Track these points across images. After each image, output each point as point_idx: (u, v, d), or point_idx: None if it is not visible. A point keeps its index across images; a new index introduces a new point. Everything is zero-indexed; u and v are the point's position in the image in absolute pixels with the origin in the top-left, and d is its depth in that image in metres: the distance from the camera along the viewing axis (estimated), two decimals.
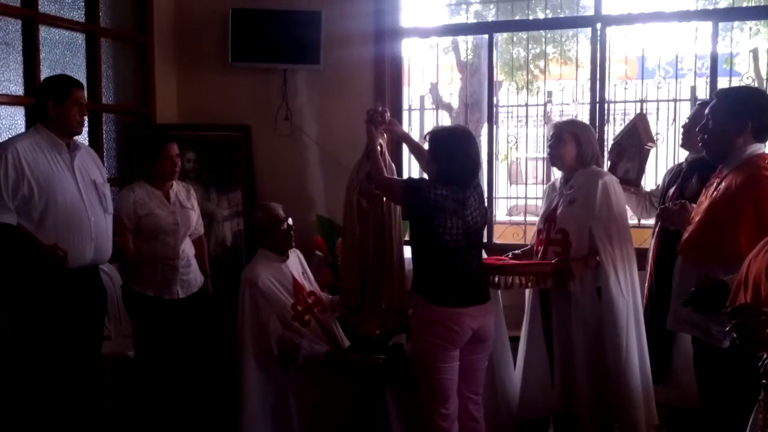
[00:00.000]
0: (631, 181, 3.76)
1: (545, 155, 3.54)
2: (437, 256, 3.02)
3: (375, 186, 3.27)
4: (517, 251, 3.58)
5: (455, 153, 3.05)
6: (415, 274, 3.14)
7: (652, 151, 4.94)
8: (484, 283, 3.14)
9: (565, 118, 3.63)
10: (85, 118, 3.40)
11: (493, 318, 3.19)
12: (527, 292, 3.47)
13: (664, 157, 4.89)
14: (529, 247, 3.59)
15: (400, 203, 3.20)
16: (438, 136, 3.15)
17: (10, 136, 3.76)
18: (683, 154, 3.65)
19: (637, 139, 3.79)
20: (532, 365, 3.43)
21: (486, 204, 3.23)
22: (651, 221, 3.77)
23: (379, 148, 3.34)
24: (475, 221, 3.08)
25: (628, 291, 3.22)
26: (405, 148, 5.15)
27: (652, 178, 4.68)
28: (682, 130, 3.60)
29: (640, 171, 3.81)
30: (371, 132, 3.30)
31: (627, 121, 4.08)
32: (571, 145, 3.34)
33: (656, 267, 3.41)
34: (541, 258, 3.38)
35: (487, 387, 3.31)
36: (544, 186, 3.93)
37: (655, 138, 3.92)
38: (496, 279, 3.22)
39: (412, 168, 5.52)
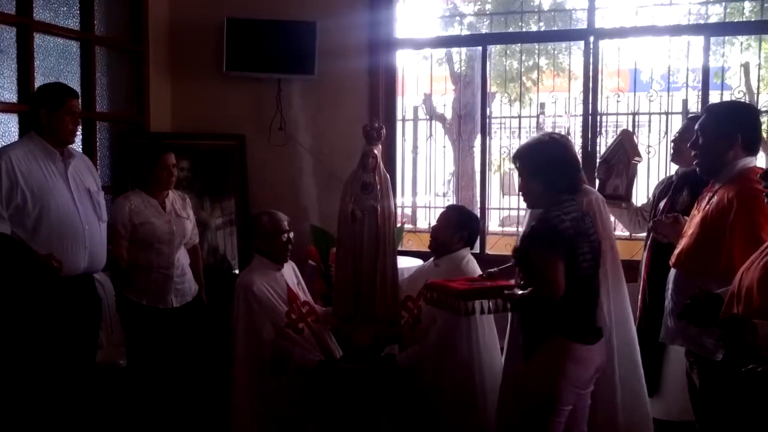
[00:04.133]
0: (622, 197, 3.77)
1: None
2: (576, 287, 2.63)
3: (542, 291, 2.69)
4: (493, 269, 3.29)
5: (558, 158, 2.75)
6: (544, 315, 2.68)
7: (644, 164, 4.99)
8: None
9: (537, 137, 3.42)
10: (79, 127, 3.39)
11: None
12: None
13: (656, 170, 4.93)
14: (510, 264, 3.29)
15: (562, 261, 2.62)
16: (531, 150, 2.82)
17: (3, 143, 3.76)
18: (675, 167, 3.67)
19: (623, 155, 3.81)
20: (509, 381, 3.26)
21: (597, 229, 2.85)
22: (643, 234, 3.79)
23: (373, 159, 3.35)
24: (594, 246, 2.75)
25: (610, 313, 3.09)
26: (399, 157, 5.18)
27: (644, 192, 4.72)
28: (672, 144, 3.63)
29: (629, 186, 3.82)
30: None
31: (615, 136, 4.10)
32: None
33: (649, 280, 3.42)
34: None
35: None
36: None
37: (641, 153, 3.93)
38: (469, 305, 2.96)
39: (405, 175, 5.55)
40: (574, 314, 2.66)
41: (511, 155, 3.19)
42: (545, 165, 2.72)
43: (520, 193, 2.87)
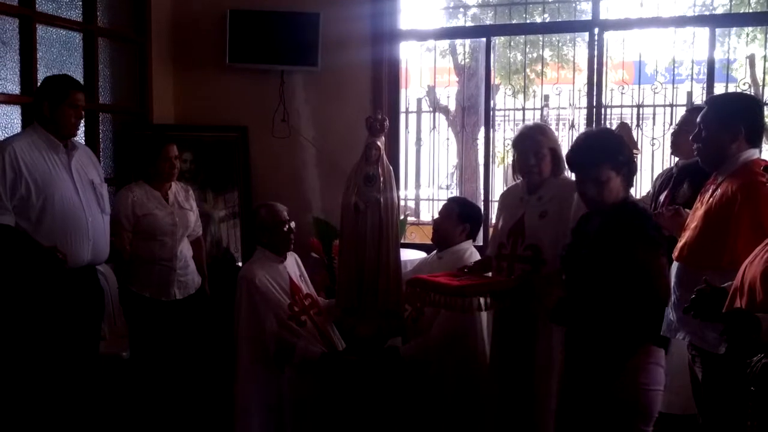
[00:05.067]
0: None
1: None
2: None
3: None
4: (470, 264, 3.23)
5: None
6: (630, 326, 2.42)
7: (649, 157, 4.97)
8: None
9: (529, 127, 3.18)
10: (82, 120, 3.39)
11: None
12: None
13: (661, 162, 4.91)
14: (482, 259, 3.28)
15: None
16: (616, 142, 2.57)
17: (6, 135, 3.76)
18: (676, 159, 3.66)
19: None
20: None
21: None
22: None
23: (377, 151, 3.34)
24: None
25: None
26: (402, 149, 5.16)
27: (648, 184, 4.70)
28: (671, 136, 3.60)
29: None
30: None
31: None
32: (548, 158, 3.05)
33: None
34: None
35: None
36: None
37: (638, 146, 3.91)
38: (466, 301, 2.80)
39: (409, 168, 5.54)
40: (657, 319, 2.51)
41: (511, 148, 3.06)
42: (628, 159, 2.53)
43: (589, 191, 2.52)
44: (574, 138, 2.82)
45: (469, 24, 7.01)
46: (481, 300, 2.85)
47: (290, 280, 3.50)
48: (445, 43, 7.93)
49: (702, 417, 2.73)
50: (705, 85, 4.48)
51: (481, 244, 4.54)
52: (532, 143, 3.04)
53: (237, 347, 3.40)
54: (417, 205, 6.71)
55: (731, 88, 4.78)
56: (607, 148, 2.53)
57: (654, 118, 5.21)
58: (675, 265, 2.80)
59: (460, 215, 3.52)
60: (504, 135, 5.95)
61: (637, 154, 3.86)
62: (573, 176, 2.80)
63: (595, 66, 4.55)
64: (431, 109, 6.12)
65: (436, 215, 3.74)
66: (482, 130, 5.16)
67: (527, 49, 6.08)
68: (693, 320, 2.39)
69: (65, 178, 3.22)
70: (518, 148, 3.13)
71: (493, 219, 5.32)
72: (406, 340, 3.46)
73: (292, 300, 3.44)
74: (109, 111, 4.70)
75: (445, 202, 3.76)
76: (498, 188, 6.89)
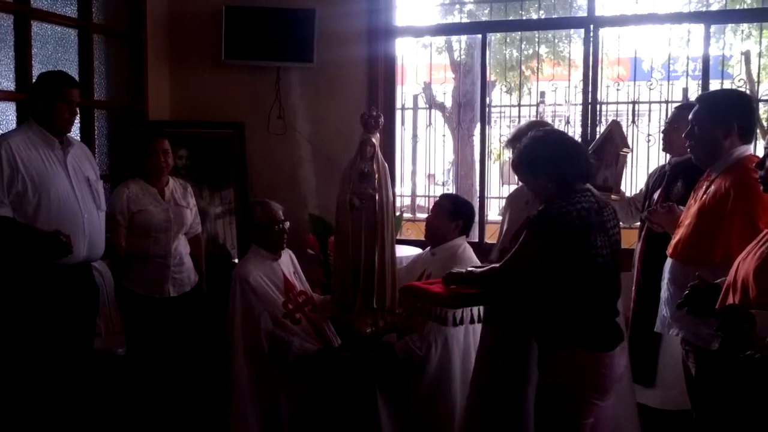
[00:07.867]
0: (611, 188, 3.75)
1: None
2: (591, 286, 2.45)
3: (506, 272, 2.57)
4: (472, 268, 3.02)
5: (558, 151, 2.54)
6: (555, 325, 2.49)
7: (644, 153, 4.98)
8: None
9: (528, 125, 3.14)
10: (77, 116, 3.38)
11: None
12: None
13: (656, 159, 4.92)
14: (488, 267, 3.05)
15: (544, 252, 2.43)
16: (528, 146, 2.59)
17: (1, 132, 3.75)
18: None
19: (613, 146, 3.78)
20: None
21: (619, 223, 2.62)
22: (637, 223, 3.78)
23: (371, 148, 3.34)
24: (616, 240, 2.54)
25: None
26: (398, 146, 5.17)
27: (643, 181, 4.71)
28: (662, 134, 3.60)
29: (619, 177, 3.80)
30: None
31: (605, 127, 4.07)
32: None
33: (642, 270, 3.41)
34: None
35: None
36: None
37: (629, 144, 3.90)
38: (449, 313, 2.69)
39: (405, 166, 5.54)
40: (588, 319, 2.45)
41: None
42: (546, 157, 2.51)
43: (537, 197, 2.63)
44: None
45: (465, 20, 7.01)
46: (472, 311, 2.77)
47: (284, 277, 3.50)
48: (441, 40, 7.93)
49: (696, 412, 2.75)
50: (700, 82, 4.49)
51: (476, 240, 4.56)
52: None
53: (231, 346, 3.40)
54: (413, 201, 6.72)
55: (726, 85, 4.79)
56: (520, 154, 2.63)
57: (649, 115, 5.22)
58: (668, 261, 2.81)
59: (452, 212, 3.52)
60: (500, 131, 5.96)
61: (628, 152, 3.85)
62: None
63: (591, 62, 4.56)
64: (427, 106, 6.12)
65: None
66: (478, 126, 5.16)
67: (523, 46, 6.09)
68: (686, 316, 2.41)
69: (61, 174, 3.22)
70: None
71: (488, 215, 5.36)
72: (401, 337, 3.47)
73: (286, 297, 3.45)
74: (104, 107, 4.70)
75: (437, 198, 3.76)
76: (494, 185, 6.91)
